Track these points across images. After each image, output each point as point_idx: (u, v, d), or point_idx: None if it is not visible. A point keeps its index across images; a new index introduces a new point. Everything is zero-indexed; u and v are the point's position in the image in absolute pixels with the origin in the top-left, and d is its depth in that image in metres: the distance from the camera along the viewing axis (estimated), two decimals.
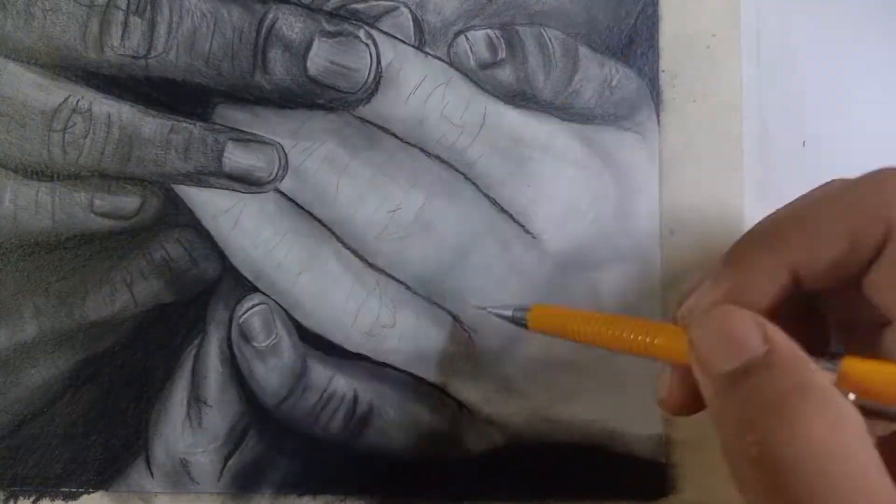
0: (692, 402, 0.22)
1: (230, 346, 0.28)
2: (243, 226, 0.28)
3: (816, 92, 0.30)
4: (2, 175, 0.27)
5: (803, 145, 0.29)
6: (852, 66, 0.30)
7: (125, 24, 0.27)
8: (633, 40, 0.29)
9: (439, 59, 0.28)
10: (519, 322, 0.25)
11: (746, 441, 0.18)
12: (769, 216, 0.22)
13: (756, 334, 0.19)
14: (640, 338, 0.22)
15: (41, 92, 0.27)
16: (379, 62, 0.28)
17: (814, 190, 0.21)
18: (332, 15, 0.28)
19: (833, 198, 0.20)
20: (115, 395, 0.28)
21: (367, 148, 0.28)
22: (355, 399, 0.28)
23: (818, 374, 0.18)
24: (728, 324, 0.19)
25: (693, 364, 0.20)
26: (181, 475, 0.28)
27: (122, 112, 0.27)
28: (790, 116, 0.29)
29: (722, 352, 0.19)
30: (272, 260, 0.28)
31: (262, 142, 0.28)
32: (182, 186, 0.28)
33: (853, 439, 0.17)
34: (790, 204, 0.21)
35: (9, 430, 0.27)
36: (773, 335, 0.19)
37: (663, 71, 0.29)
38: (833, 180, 0.21)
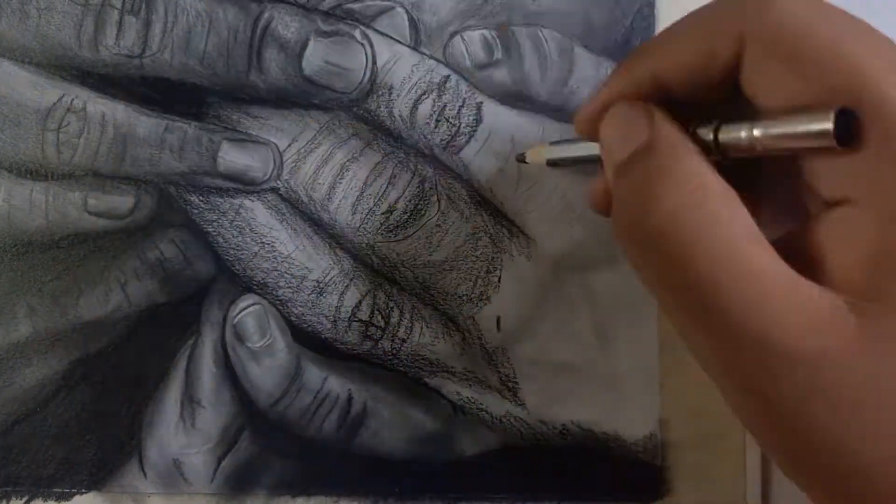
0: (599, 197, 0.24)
1: (224, 347, 0.28)
2: (239, 226, 0.28)
3: None
4: None
5: None
6: None
7: (120, 24, 0.27)
8: (630, 41, 0.29)
9: (435, 59, 0.28)
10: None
11: (624, 222, 0.19)
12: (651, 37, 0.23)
13: (643, 122, 0.20)
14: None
15: (35, 91, 0.27)
16: (374, 62, 0.27)
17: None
18: (328, 15, 0.28)
19: (693, 15, 0.21)
20: (108, 395, 0.27)
21: (363, 148, 0.28)
22: (349, 400, 0.28)
23: (689, 151, 0.19)
24: (622, 113, 0.21)
25: (604, 160, 0.22)
26: (174, 476, 0.27)
27: (117, 111, 0.27)
28: None
29: (618, 142, 0.20)
30: (267, 260, 0.28)
31: (257, 142, 0.28)
32: (178, 187, 0.28)
33: (712, 209, 0.18)
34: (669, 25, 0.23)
35: (1, 430, 0.27)
36: (658, 122, 0.20)
37: None
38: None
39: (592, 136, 0.23)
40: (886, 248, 0.17)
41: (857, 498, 0.17)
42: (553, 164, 0.26)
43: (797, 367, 0.16)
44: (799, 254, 0.18)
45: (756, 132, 0.19)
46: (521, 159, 0.27)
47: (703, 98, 0.21)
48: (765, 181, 0.22)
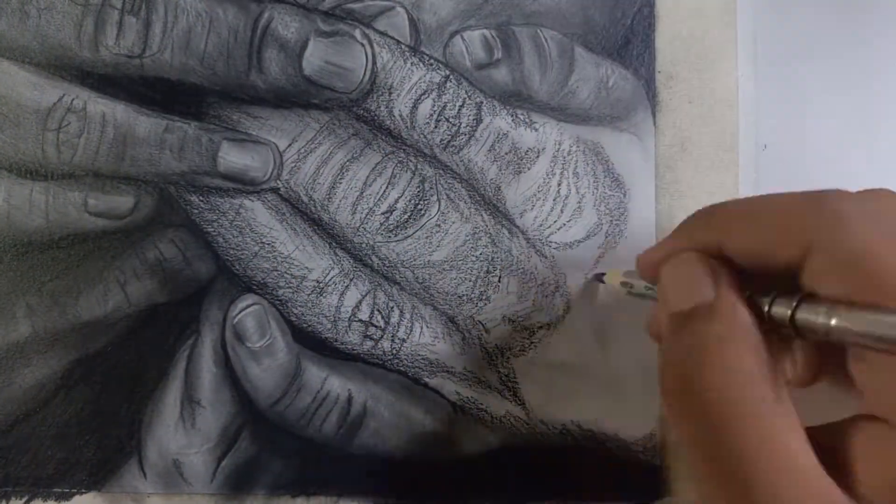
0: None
1: (224, 347, 0.28)
2: (238, 226, 0.28)
3: (814, 92, 0.29)
4: None
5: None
6: (852, 66, 0.30)
7: (120, 24, 0.27)
8: (630, 41, 0.29)
9: (435, 59, 0.28)
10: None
11: (673, 375, 0.19)
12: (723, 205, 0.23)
13: (709, 281, 0.20)
14: None
15: (36, 91, 0.27)
16: (374, 62, 0.27)
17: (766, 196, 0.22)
18: (328, 15, 0.28)
19: (767, 204, 0.21)
20: (108, 395, 0.27)
21: (363, 148, 0.28)
22: (349, 400, 0.28)
23: (749, 327, 0.19)
24: (689, 266, 0.21)
25: (658, 302, 0.22)
26: (174, 476, 0.27)
27: (117, 111, 0.27)
28: (786, 117, 0.29)
29: (680, 292, 0.21)
30: (267, 260, 0.28)
31: (256, 142, 0.28)
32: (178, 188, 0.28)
33: (764, 390, 0.18)
34: (744, 199, 0.23)
35: (1, 430, 0.27)
36: (722, 284, 0.20)
37: (659, 72, 0.29)
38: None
39: (652, 280, 0.23)
40: None
41: None
42: (626, 286, 0.26)
43: None
44: (831, 449, 0.18)
45: (834, 321, 0.19)
46: (599, 279, 0.28)
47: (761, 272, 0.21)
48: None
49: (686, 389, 0.19)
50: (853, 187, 0.20)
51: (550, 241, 0.28)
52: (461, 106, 0.28)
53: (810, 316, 0.19)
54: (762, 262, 0.21)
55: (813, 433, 0.18)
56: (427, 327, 0.28)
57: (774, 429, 0.18)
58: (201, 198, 0.28)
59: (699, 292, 0.20)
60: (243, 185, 0.28)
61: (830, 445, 0.18)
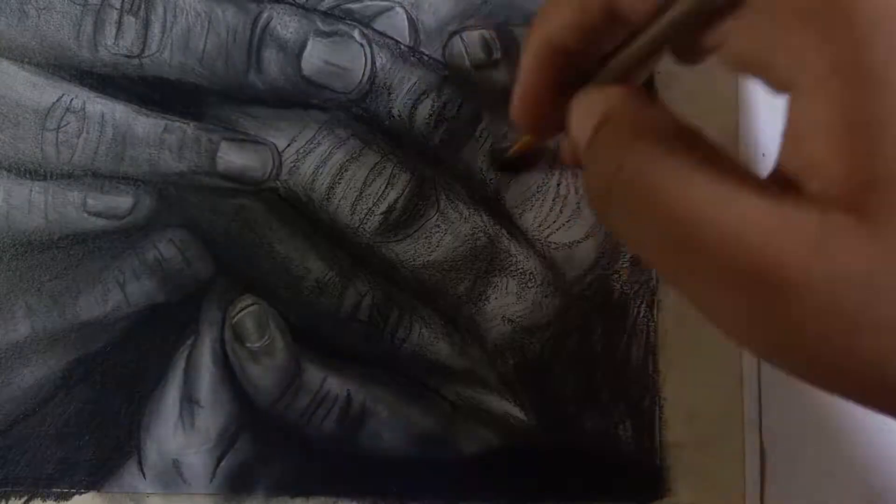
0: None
1: (223, 347, 0.28)
2: (237, 226, 0.28)
3: None
4: None
5: None
6: None
7: (119, 24, 0.27)
8: None
9: (434, 59, 0.28)
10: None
11: (597, 186, 0.18)
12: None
13: (600, 99, 0.19)
14: None
15: (35, 91, 0.27)
16: (373, 62, 0.27)
17: None
18: (327, 15, 0.28)
19: None
20: (107, 395, 0.27)
21: (362, 148, 0.28)
22: (348, 400, 0.28)
23: (641, 102, 0.18)
24: (580, 101, 0.20)
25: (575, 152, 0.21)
26: (173, 476, 0.27)
27: (116, 111, 0.27)
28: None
29: (583, 127, 0.19)
30: (266, 260, 0.28)
31: (255, 142, 0.28)
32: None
33: (666, 150, 0.17)
34: None
35: (0, 430, 0.27)
36: (609, 93, 0.19)
37: (659, 72, 0.29)
38: None
39: (534, 122, 0.22)
40: (855, 121, 0.14)
41: None
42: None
43: (808, 299, 0.14)
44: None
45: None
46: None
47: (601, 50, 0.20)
48: None
49: (611, 184, 0.18)
50: None
51: (550, 241, 0.28)
52: (460, 106, 0.28)
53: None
54: (588, 27, 0.19)
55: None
56: (426, 327, 0.28)
57: (705, 174, 0.16)
58: (200, 198, 0.28)
59: (595, 112, 0.19)
60: (242, 184, 0.28)
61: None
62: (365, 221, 0.28)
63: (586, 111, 0.20)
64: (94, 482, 0.27)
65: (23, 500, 0.27)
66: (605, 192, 0.18)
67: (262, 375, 0.27)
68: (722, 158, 0.16)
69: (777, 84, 0.16)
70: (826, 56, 0.14)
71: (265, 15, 0.27)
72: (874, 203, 0.14)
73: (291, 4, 0.27)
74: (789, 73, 0.15)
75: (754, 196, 0.15)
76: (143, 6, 0.27)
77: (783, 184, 0.16)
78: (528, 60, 0.21)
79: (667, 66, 0.29)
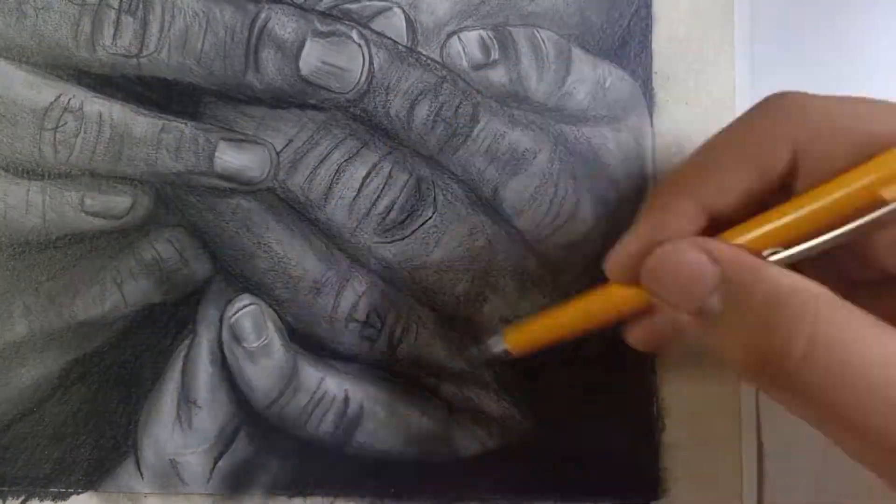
0: (656, 338, 0.23)
1: (220, 347, 0.28)
2: (235, 226, 0.28)
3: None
4: None
5: None
6: (849, 67, 0.30)
7: (117, 23, 0.27)
8: (627, 42, 0.29)
9: (432, 59, 0.28)
10: (504, 357, 0.26)
11: (749, 361, 0.18)
12: (681, 163, 0.22)
13: (704, 259, 0.19)
14: (597, 310, 0.23)
15: (32, 90, 0.27)
16: (371, 63, 0.27)
17: (719, 131, 0.21)
18: (325, 15, 0.28)
19: (735, 130, 0.20)
20: (104, 395, 0.27)
21: (359, 148, 0.28)
22: (346, 400, 0.28)
23: (770, 267, 0.18)
24: (678, 260, 0.19)
25: (665, 310, 0.20)
26: (171, 476, 0.27)
27: (114, 111, 0.27)
28: None
29: (684, 292, 0.19)
30: (264, 261, 0.28)
31: (253, 142, 0.28)
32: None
33: (842, 321, 0.17)
34: (698, 148, 0.22)
35: None
36: (716, 250, 0.19)
37: (656, 72, 0.29)
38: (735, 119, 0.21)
39: (631, 282, 0.22)
40: None
41: None
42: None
43: None
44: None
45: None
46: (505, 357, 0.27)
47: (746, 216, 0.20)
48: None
49: (775, 370, 0.18)
50: None
51: (548, 242, 0.28)
52: (458, 106, 0.28)
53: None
54: (757, 195, 0.19)
55: None
56: (424, 328, 0.28)
57: (873, 360, 0.17)
58: (198, 198, 0.28)
59: (704, 278, 0.19)
60: (240, 185, 0.28)
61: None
62: (362, 222, 0.28)
63: (686, 273, 0.19)
64: (91, 482, 0.27)
65: (20, 500, 0.27)
66: (763, 375, 0.18)
67: (260, 376, 0.27)
68: (875, 321, 0.17)
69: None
70: None
71: (263, 15, 0.27)
72: None
73: (289, 4, 0.27)
74: None
75: None
76: (140, 6, 0.27)
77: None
78: (659, 219, 0.21)
79: (659, 65, 0.29)
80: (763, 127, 0.20)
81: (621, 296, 0.23)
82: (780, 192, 0.20)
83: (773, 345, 0.17)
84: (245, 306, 0.28)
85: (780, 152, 0.19)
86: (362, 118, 0.28)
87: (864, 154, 0.18)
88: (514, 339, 0.26)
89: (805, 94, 0.20)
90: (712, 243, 0.19)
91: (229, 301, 0.28)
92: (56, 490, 0.27)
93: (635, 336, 0.24)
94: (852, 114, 0.19)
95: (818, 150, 0.19)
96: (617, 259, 0.23)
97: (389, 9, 0.28)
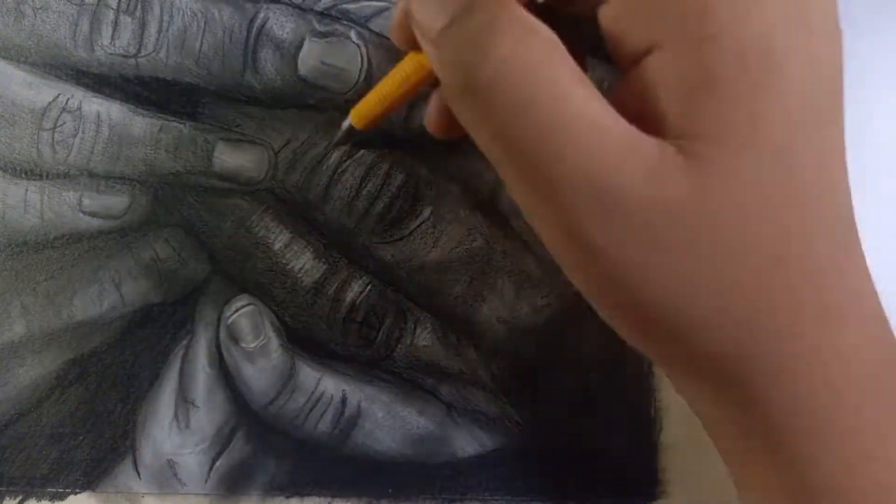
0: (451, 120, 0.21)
1: (218, 347, 0.28)
2: (233, 226, 0.28)
3: None
4: None
5: None
6: (849, 67, 0.30)
7: (116, 23, 0.27)
8: None
9: None
10: (352, 132, 0.26)
11: (453, 86, 0.18)
12: None
13: None
14: (402, 77, 0.22)
15: (31, 90, 0.27)
16: (370, 63, 0.27)
17: None
18: (323, 15, 0.28)
19: None
20: (102, 395, 0.27)
21: (358, 149, 0.28)
22: (344, 401, 0.28)
23: (511, 2, 0.18)
24: None
25: (417, 37, 0.20)
26: (168, 476, 0.27)
27: (112, 111, 0.27)
28: None
29: (433, 14, 0.19)
30: (262, 261, 0.28)
31: (252, 142, 0.28)
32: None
33: (544, 53, 0.17)
34: None
35: None
36: None
37: None
38: None
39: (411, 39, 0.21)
40: (690, 82, 0.16)
41: (688, 355, 0.17)
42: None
43: (633, 216, 0.16)
44: (621, 108, 0.17)
45: None
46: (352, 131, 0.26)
47: None
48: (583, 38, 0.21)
49: (467, 82, 0.17)
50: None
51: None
52: None
53: None
54: None
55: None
56: (422, 328, 0.28)
57: (563, 85, 0.17)
58: (196, 198, 0.28)
59: (452, 2, 0.18)
60: (238, 185, 0.28)
61: (618, 101, 0.17)
62: (361, 222, 0.28)
63: None
64: (89, 482, 0.27)
65: (17, 500, 0.27)
66: (458, 93, 0.18)
67: (258, 376, 0.27)
68: (585, 78, 0.17)
69: (636, 46, 0.18)
70: (675, 21, 0.17)
71: (262, 15, 0.27)
72: (697, 148, 0.16)
73: (288, 5, 0.27)
74: (646, 35, 0.17)
75: (613, 123, 0.17)
76: (139, 6, 0.27)
77: (628, 110, 0.17)
78: None
79: None
80: None
81: (413, 60, 0.22)
82: None
83: (471, 59, 0.17)
84: (243, 306, 0.28)
85: None
86: None
87: None
88: (356, 113, 0.25)
89: None
90: None
91: (227, 301, 0.28)
92: (54, 490, 0.27)
93: (431, 120, 0.23)
94: None
95: None
96: (394, 22, 0.22)
97: (388, 8, 0.28)
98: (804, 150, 0.16)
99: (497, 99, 0.17)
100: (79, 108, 0.27)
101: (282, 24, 0.27)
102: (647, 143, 0.17)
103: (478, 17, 0.18)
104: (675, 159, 0.16)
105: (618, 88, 0.18)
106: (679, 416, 0.28)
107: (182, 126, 0.27)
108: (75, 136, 0.27)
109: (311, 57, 0.27)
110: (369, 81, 0.27)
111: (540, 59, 0.17)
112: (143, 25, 0.27)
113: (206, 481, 0.27)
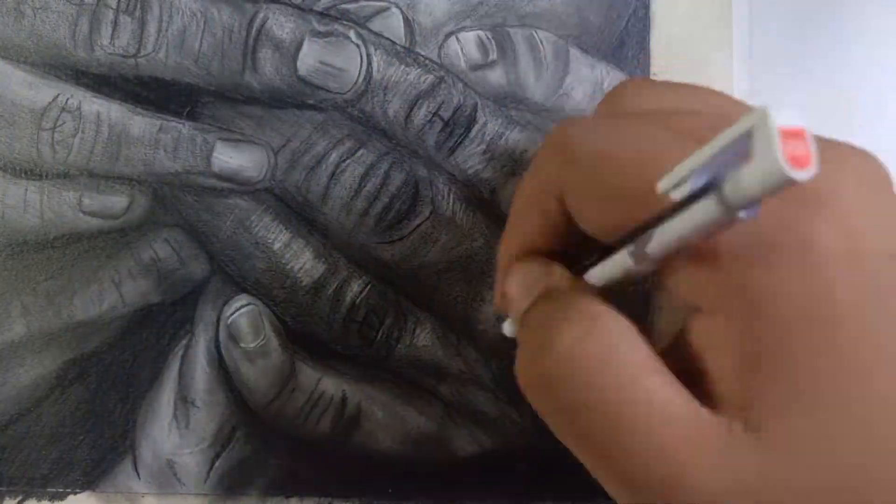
0: None
1: (218, 347, 0.28)
2: (233, 226, 0.28)
3: (809, 93, 0.29)
4: None
5: None
6: (848, 67, 0.30)
7: (115, 23, 0.27)
8: (625, 42, 0.29)
9: (430, 60, 0.28)
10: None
11: (524, 370, 0.18)
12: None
13: (540, 272, 0.19)
14: None
15: (31, 90, 0.27)
16: (369, 63, 0.27)
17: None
18: (323, 15, 0.28)
19: (521, 188, 0.20)
20: (102, 395, 0.27)
21: (357, 148, 0.28)
22: (343, 401, 0.28)
23: (582, 291, 0.18)
24: (520, 270, 0.20)
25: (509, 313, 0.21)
26: (168, 476, 0.27)
27: (112, 111, 0.27)
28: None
29: (521, 292, 0.20)
30: (261, 261, 0.28)
31: (251, 142, 0.28)
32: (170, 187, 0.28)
33: (612, 342, 0.17)
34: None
35: None
36: (552, 269, 0.19)
37: (654, 73, 0.29)
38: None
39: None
40: (745, 350, 0.16)
41: None
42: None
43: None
44: (681, 363, 0.17)
45: (629, 254, 0.17)
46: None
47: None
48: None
49: (536, 369, 0.18)
50: None
51: None
52: (456, 107, 0.28)
53: (615, 265, 0.18)
54: (557, 233, 0.20)
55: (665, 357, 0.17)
56: (421, 328, 0.28)
57: (632, 372, 0.16)
58: (196, 198, 0.28)
59: (535, 287, 0.19)
60: (238, 185, 0.28)
61: (677, 355, 0.17)
62: (360, 222, 0.28)
63: (527, 279, 0.20)
64: (88, 482, 0.27)
65: (17, 499, 0.27)
66: (527, 378, 0.18)
67: (257, 376, 0.27)
68: (657, 361, 0.17)
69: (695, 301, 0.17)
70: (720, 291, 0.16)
71: (261, 15, 0.27)
72: (756, 418, 0.16)
73: (287, 5, 0.27)
74: (692, 298, 0.17)
75: (683, 409, 0.16)
76: (138, 6, 0.27)
77: (688, 367, 0.17)
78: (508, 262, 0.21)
79: (657, 65, 0.29)
80: (543, 168, 0.20)
81: None
82: (567, 225, 0.19)
83: (540, 347, 0.17)
84: (243, 306, 0.28)
85: (550, 198, 0.19)
86: (360, 118, 0.28)
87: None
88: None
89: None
90: (553, 264, 0.20)
91: (227, 301, 0.28)
92: (54, 490, 0.27)
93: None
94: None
95: (576, 197, 0.19)
96: (496, 299, 0.22)
97: (387, 9, 0.28)
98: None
99: (560, 390, 0.17)
100: (78, 108, 0.27)
101: (281, 24, 0.27)
102: (715, 425, 0.16)
103: (551, 304, 0.18)
104: (741, 439, 0.16)
105: (671, 342, 0.18)
106: None
107: (181, 126, 0.27)
108: (75, 135, 0.27)
109: (310, 57, 0.27)
110: (368, 81, 0.27)
111: (608, 348, 0.17)
112: (142, 25, 0.27)
113: (205, 481, 0.28)
